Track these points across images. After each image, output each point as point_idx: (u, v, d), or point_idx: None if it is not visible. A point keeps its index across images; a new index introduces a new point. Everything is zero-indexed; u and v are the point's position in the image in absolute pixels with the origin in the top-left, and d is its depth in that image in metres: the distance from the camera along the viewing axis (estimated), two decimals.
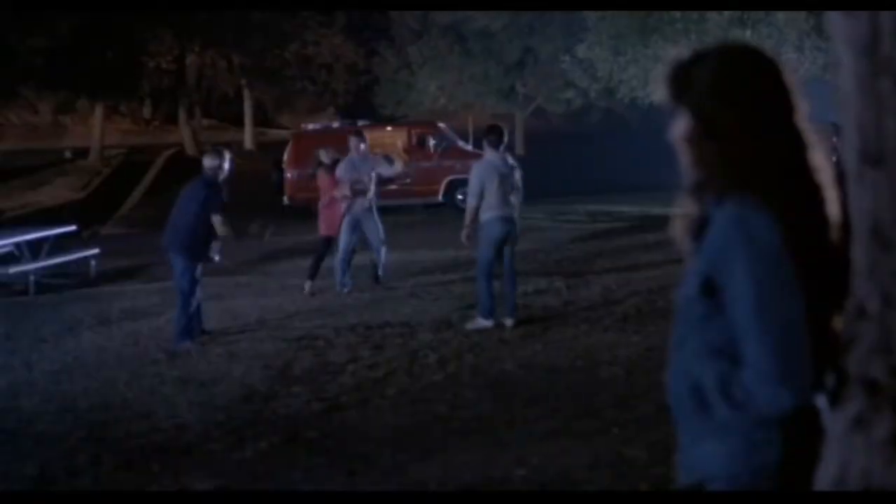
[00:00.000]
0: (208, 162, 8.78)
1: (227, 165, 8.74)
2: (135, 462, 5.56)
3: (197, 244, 8.56)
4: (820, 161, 1.97)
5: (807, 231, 1.90)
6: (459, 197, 22.13)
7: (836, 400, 1.87)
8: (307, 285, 10.99)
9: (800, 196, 1.92)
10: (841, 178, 1.91)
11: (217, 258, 8.85)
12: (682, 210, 2.04)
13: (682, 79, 2.01)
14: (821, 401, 1.91)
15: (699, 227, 1.98)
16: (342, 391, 6.81)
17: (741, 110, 1.95)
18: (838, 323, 1.90)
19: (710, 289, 1.93)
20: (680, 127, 2.01)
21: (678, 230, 2.06)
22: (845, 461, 1.81)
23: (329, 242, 11.17)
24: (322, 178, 11.39)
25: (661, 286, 9.63)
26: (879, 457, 1.75)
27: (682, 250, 2.06)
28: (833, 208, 1.94)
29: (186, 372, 7.63)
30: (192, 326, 8.63)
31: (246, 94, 37.15)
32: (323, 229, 11.26)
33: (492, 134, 8.74)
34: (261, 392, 6.92)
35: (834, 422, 1.86)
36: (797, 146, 1.96)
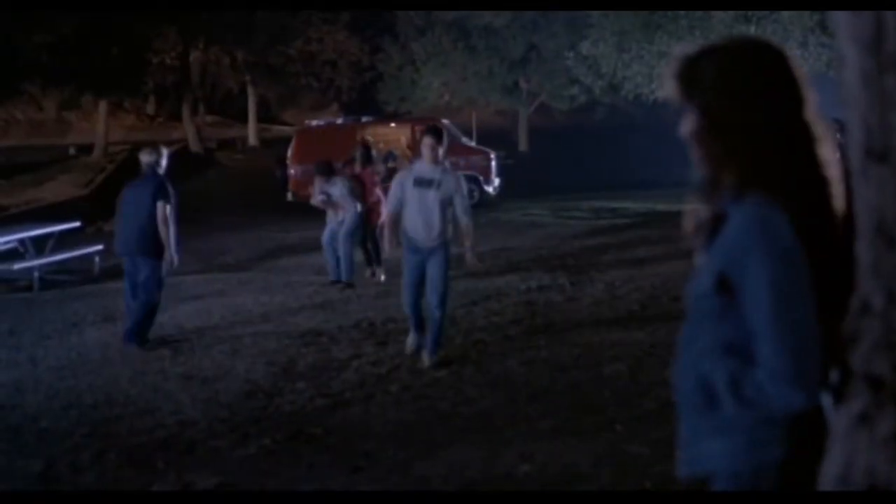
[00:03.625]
0: (146, 158, 8.75)
1: (163, 161, 8.69)
2: (138, 459, 5.56)
3: (159, 241, 8.50)
4: (828, 155, 1.96)
5: (816, 227, 1.90)
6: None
7: (840, 397, 1.87)
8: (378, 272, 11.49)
9: (809, 192, 1.92)
10: (846, 175, 1.91)
11: (175, 260, 8.60)
12: (694, 206, 2.03)
13: (690, 75, 2.00)
14: (825, 398, 1.90)
15: (714, 224, 1.97)
16: (346, 387, 6.82)
17: (749, 106, 1.94)
18: (842, 320, 1.90)
19: (724, 286, 1.92)
20: (689, 124, 2.01)
21: (689, 226, 2.05)
22: (849, 458, 1.80)
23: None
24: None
25: (664, 283, 9.63)
26: (883, 454, 1.75)
27: (693, 246, 2.05)
28: (839, 203, 1.93)
29: (190, 368, 7.64)
30: (146, 329, 8.57)
31: (250, 90, 37.17)
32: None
33: (434, 135, 7.35)
34: (264, 388, 6.93)
35: (838, 419, 1.86)
36: (806, 141, 1.95)
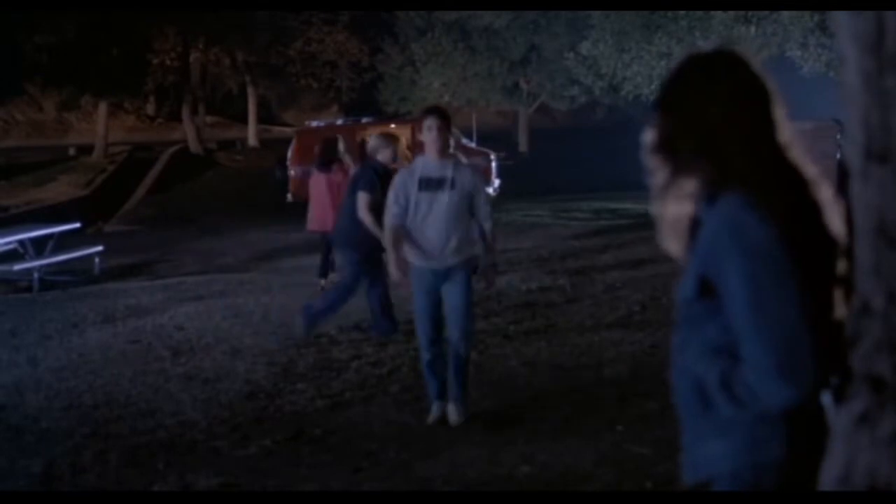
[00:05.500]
0: (370, 142, 8.39)
1: (385, 150, 8.03)
2: (139, 459, 5.57)
3: (356, 235, 7.97)
4: (800, 157, 1.99)
5: (800, 226, 1.91)
6: None
7: (840, 397, 1.87)
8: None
9: (787, 191, 1.94)
10: (845, 176, 1.91)
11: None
12: (666, 211, 2.06)
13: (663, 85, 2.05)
14: (826, 398, 1.91)
15: (693, 228, 1.99)
16: (346, 388, 6.82)
17: (720, 114, 1.97)
18: (843, 319, 1.91)
19: (706, 289, 1.94)
20: (654, 130, 2.04)
21: (666, 232, 2.07)
22: (850, 459, 1.80)
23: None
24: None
25: (665, 283, 9.62)
26: (884, 454, 1.75)
27: (672, 252, 2.07)
28: (824, 198, 1.95)
29: (190, 369, 7.63)
30: (325, 318, 8.29)
31: (250, 90, 37.15)
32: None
33: (437, 115, 5.73)
34: (265, 389, 6.93)
35: (839, 419, 1.86)
36: (778, 145, 1.98)
